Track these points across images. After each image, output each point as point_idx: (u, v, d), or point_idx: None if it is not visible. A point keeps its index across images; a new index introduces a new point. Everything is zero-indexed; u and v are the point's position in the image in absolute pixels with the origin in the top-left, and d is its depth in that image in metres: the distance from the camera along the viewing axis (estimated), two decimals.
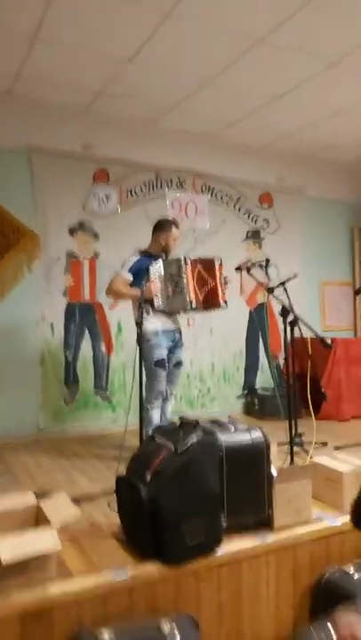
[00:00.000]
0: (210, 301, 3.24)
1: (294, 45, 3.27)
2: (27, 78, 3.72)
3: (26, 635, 1.63)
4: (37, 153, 4.15)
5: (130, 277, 3.31)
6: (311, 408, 3.14)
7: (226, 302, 3.29)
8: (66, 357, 4.23)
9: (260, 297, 5.09)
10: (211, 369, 4.79)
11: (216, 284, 3.22)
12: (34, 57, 3.41)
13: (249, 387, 4.95)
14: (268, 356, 5.08)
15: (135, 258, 3.34)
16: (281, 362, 4.95)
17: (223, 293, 3.25)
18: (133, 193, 4.58)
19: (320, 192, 5.45)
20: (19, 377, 3.98)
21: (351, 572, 1.93)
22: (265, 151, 5.11)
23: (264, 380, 5.02)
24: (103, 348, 4.39)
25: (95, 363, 4.35)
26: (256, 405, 4.68)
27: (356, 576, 1.91)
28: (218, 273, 3.23)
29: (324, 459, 2.43)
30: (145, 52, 3.35)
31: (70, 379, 4.24)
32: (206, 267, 3.25)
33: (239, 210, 5.07)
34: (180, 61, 3.47)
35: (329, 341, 2.65)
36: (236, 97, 4.02)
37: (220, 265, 3.30)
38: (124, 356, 4.37)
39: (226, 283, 3.30)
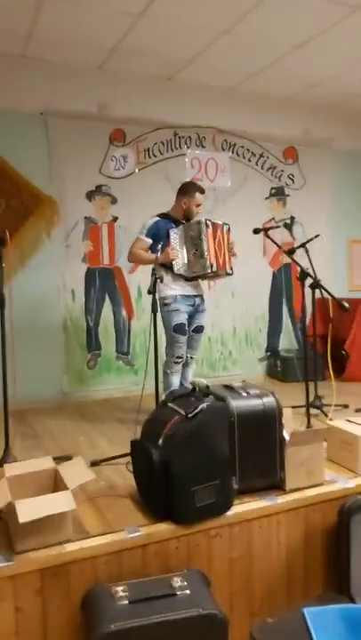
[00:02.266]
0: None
1: None
2: (38, 39, 3.62)
3: (45, 589, 1.73)
4: (52, 116, 4.08)
5: (148, 241, 3.27)
6: (331, 370, 3.10)
7: (232, 269, 3.26)
8: (87, 323, 4.28)
9: (285, 257, 4.97)
10: (232, 332, 4.77)
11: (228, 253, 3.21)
12: (43, 16, 3.31)
13: (272, 349, 4.92)
14: (291, 318, 5.02)
15: (153, 220, 3.30)
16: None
17: (229, 260, 3.23)
18: (151, 153, 4.48)
19: (348, 145, 5.18)
20: (42, 343, 4.06)
21: None
22: (289, 103, 4.86)
23: (287, 342, 4.98)
24: (124, 313, 4.42)
25: (116, 327, 4.40)
26: (278, 368, 4.67)
27: None
28: (225, 239, 3.20)
29: (340, 422, 2.41)
30: (156, 5, 3.18)
31: (92, 344, 4.31)
32: (228, 234, 3.25)
33: (262, 166, 4.90)
34: (195, 12, 3.28)
35: (347, 305, 2.57)
36: (256, 46, 3.79)
37: (228, 231, 3.26)
38: (145, 320, 4.39)
39: (231, 250, 3.26)
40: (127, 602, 1.66)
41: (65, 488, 1.83)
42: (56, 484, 1.98)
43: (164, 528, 1.87)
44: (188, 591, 1.70)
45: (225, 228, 3.25)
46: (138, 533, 1.83)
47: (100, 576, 1.78)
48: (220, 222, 3.25)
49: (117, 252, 4.31)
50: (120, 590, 1.70)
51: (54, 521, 1.75)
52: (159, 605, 1.65)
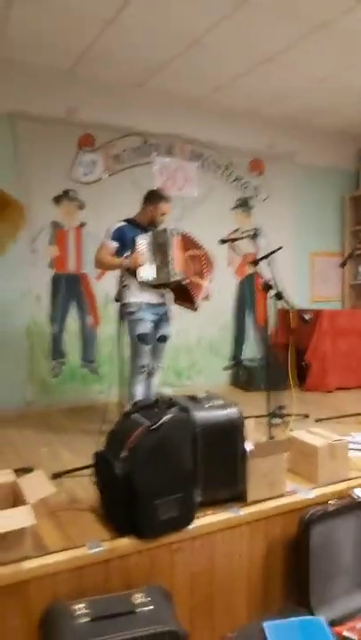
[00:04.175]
0: (190, 292, 3.20)
1: (280, 7, 3.12)
2: (8, 40, 3.56)
3: (1, 608, 1.68)
4: (21, 118, 4.01)
5: (114, 245, 3.24)
6: (292, 381, 3.16)
7: (198, 306, 3.29)
8: (52, 330, 4.21)
9: (250, 267, 5.04)
10: (197, 341, 4.79)
11: (202, 284, 3.21)
12: (14, 17, 3.26)
13: (236, 358, 4.97)
14: (254, 328, 5.08)
15: (118, 225, 3.27)
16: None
17: (199, 290, 3.24)
18: (120, 159, 4.46)
19: (311, 159, 5.33)
20: (5, 350, 3.97)
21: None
22: (255, 116, 4.95)
23: (251, 351, 5.03)
24: (90, 320, 4.37)
25: (82, 335, 4.34)
26: (242, 377, 4.71)
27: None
28: (206, 268, 3.24)
29: (301, 433, 2.45)
30: (127, 13, 3.19)
31: (57, 351, 4.24)
32: (208, 262, 3.27)
33: (228, 177, 4.96)
34: (164, 21, 3.32)
35: (307, 317, 2.63)
36: (224, 59, 3.86)
37: (210, 269, 3.33)
38: (111, 328, 4.34)
39: (208, 296, 3.32)
40: (87, 620, 1.62)
41: (24, 502, 1.78)
42: (15, 498, 1.92)
43: (126, 543, 1.84)
44: (148, 608, 1.68)
45: (211, 265, 3.29)
46: (100, 549, 1.80)
47: (60, 593, 1.74)
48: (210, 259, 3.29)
49: (84, 258, 4.26)
50: (80, 608, 1.66)
51: (12, 537, 1.71)
52: (120, 623, 1.62)
